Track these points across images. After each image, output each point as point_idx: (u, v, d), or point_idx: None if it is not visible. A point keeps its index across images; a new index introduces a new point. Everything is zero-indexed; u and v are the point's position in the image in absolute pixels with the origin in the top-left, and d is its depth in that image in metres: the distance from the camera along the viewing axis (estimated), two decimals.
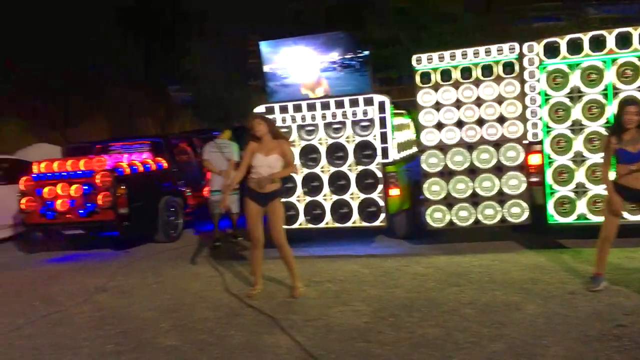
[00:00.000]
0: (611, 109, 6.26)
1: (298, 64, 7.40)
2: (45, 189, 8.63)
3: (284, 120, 7.38)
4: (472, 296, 5.29)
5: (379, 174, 7.15)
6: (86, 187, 8.46)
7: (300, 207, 7.47)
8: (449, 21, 23.93)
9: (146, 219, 8.87)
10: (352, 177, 7.26)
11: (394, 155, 7.20)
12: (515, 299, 5.11)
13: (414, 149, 8.66)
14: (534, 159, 6.73)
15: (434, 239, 7.60)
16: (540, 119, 6.63)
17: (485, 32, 23.57)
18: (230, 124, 28.01)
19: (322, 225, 7.45)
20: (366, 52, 7.27)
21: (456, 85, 6.82)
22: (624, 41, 6.28)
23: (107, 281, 7.07)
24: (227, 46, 34.04)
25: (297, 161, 7.21)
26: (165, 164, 9.69)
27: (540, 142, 6.66)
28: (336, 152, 7.32)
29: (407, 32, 23.76)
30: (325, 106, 7.23)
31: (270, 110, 7.40)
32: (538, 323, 4.52)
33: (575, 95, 6.50)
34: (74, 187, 8.52)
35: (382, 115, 7.07)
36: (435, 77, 6.88)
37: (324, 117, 7.25)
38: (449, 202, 6.92)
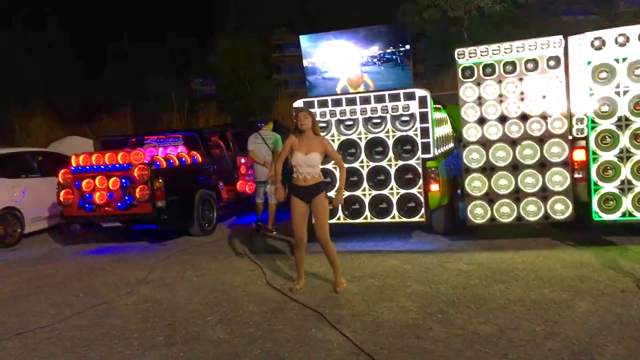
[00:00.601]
0: None
1: (338, 58, 7.35)
2: (84, 182, 8.73)
3: (322, 114, 7.36)
4: (520, 293, 5.23)
5: (419, 169, 7.10)
6: (124, 180, 8.54)
7: None
8: (478, 15, 23.74)
9: (182, 213, 8.93)
10: (392, 172, 7.22)
11: (434, 150, 7.15)
12: (565, 297, 5.05)
13: (451, 145, 8.61)
14: (579, 155, 6.63)
15: (472, 235, 7.55)
16: (586, 114, 6.53)
17: (516, 26, 23.33)
18: (254, 117, 28.15)
19: (360, 220, 7.42)
20: (407, 46, 7.20)
21: (499, 79, 6.74)
22: None
23: (148, 274, 7.14)
24: (252, 40, 33.97)
25: None
26: (199, 158, 9.75)
27: (586, 138, 6.56)
28: (375, 147, 7.29)
29: (436, 26, 23.61)
30: (366, 101, 7.19)
31: (309, 105, 7.38)
32: (592, 321, 4.45)
33: (621, 90, 6.39)
34: (112, 180, 8.60)
35: (424, 110, 7.01)
36: (478, 72, 6.80)
37: (363, 111, 7.21)
38: (491, 198, 6.85)
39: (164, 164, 8.80)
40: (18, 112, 32.03)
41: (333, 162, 7.04)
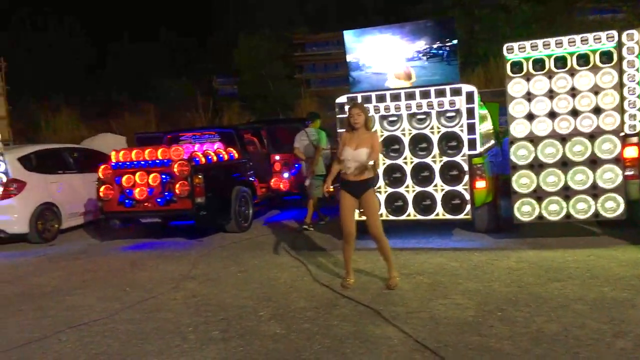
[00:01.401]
0: None
1: (383, 53, 7.28)
2: (124, 178, 8.76)
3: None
4: (578, 292, 5.13)
5: (465, 166, 7.01)
6: (164, 176, 8.55)
7: (382, 199, 7.39)
8: (504, 12, 23.51)
9: (220, 209, 8.93)
10: (436, 168, 7.15)
11: (480, 147, 7.06)
12: (626, 296, 4.94)
13: (492, 141, 8.50)
14: (630, 152, 6.51)
15: (515, 234, 7.45)
16: (639, 110, 6.39)
17: (542, 24, 23.06)
18: (277, 116, 28.19)
19: (403, 217, 7.36)
20: (455, 41, 7.11)
21: (549, 74, 6.63)
22: None
23: (191, 269, 7.14)
24: (274, 39, 34.09)
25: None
26: (236, 155, 9.74)
27: (638, 135, 6.43)
28: (420, 143, 7.21)
29: (461, 25, 23.44)
30: (410, 96, 7.12)
31: (352, 101, 7.33)
32: None
33: None
34: (152, 175, 8.61)
35: (470, 105, 6.92)
36: (527, 67, 6.70)
37: (408, 107, 7.14)
38: (539, 195, 6.74)
39: (203, 160, 8.80)
40: (43, 110, 32.44)
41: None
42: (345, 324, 4.80)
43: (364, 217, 5.74)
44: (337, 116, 7.45)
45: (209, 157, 9.00)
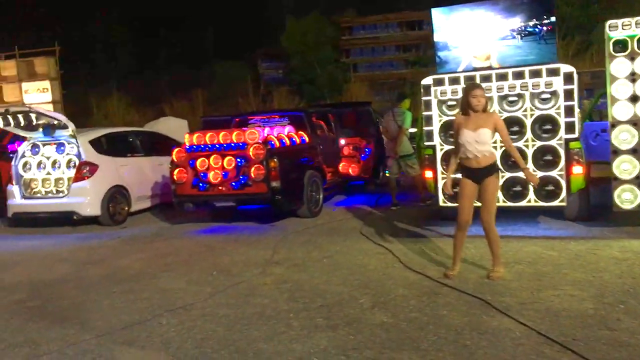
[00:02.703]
0: None
1: (472, 32, 6.97)
2: (198, 161, 8.70)
3: (454, 92, 7.02)
4: None
5: (561, 151, 6.68)
6: (239, 160, 8.45)
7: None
8: None
9: (294, 193, 8.81)
10: (529, 153, 6.83)
11: (578, 130, 6.70)
12: None
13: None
14: None
15: (606, 222, 7.10)
16: None
17: (604, 6, 22.08)
18: (323, 101, 27.97)
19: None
20: (553, 18, 6.74)
21: None
22: None
23: (273, 254, 7.03)
24: (321, 23, 33.75)
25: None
26: (307, 138, 9.58)
27: None
28: (511, 127, 6.88)
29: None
30: (502, 77, 6.80)
31: (440, 82, 7.06)
32: None
33: None
34: (226, 159, 8.53)
35: (569, 86, 6.56)
36: (632, 45, 6.30)
37: (500, 89, 6.83)
38: None
39: (277, 143, 8.66)
40: (95, 95, 33.01)
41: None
42: (455, 313, 4.59)
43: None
44: (423, 98, 7.19)
45: (283, 140, 8.86)
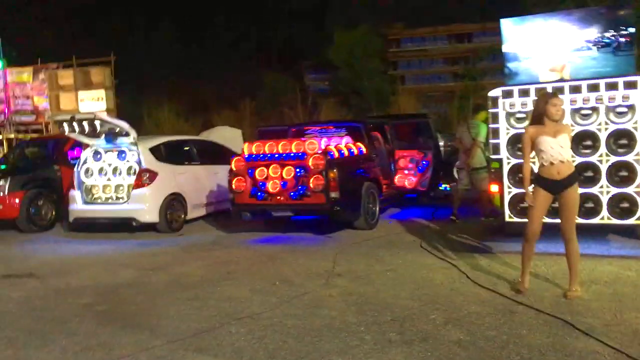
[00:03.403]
0: None
1: (544, 43, 6.80)
2: (257, 170, 8.71)
3: (523, 104, 6.84)
4: None
5: (637, 167, 6.41)
6: (298, 170, 8.43)
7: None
8: None
9: (352, 205, 8.73)
10: (603, 168, 6.58)
11: None
12: None
13: None
14: None
15: None
16: None
17: None
18: (370, 113, 27.91)
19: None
20: (631, 29, 6.52)
21: None
22: None
23: (333, 265, 6.95)
24: (369, 34, 33.79)
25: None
26: (364, 150, 9.50)
27: None
28: (584, 141, 6.67)
29: None
30: (576, 89, 6.59)
31: (509, 94, 6.90)
32: None
33: None
34: (285, 169, 8.52)
35: None
36: None
37: (573, 102, 6.62)
38: None
39: (337, 154, 8.61)
40: (146, 104, 33.77)
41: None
42: (536, 333, 4.41)
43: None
44: (490, 110, 7.04)
45: (341, 151, 8.81)
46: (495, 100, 6.99)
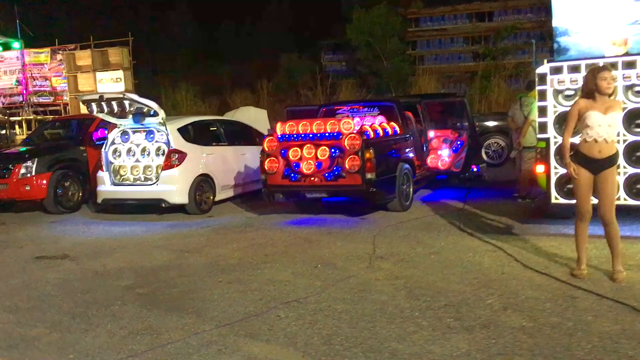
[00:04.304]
0: None
1: (600, 16, 6.49)
2: (290, 151, 8.50)
3: (573, 81, 6.55)
4: None
5: None
6: (333, 150, 8.21)
7: None
8: None
9: (388, 186, 8.51)
10: None
11: None
12: None
13: None
14: None
15: None
16: None
17: None
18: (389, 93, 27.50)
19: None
20: None
21: None
22: None
23: (374, 248, 6.77)
24: (388, 13, 33.15)
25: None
26: (398, 129, 9.25)
27: None
28: (637, 119, 6.39)
29: None
30: (630, 65, 6.29)
31: (558, 70, 6.60)
32: None
33: None
34: (320, 149, 8.30)
35: None
36: None
37: (627, 78, 6.32)
38: None
39: (372, 134, 8.38)
40: (164, 85, 33.57)
41: None
42: (603, 320, 4.22)
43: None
44: (537, 87, 6.76)
45: (377, 131, 8.57)
46: (542, 77, 6.71)
